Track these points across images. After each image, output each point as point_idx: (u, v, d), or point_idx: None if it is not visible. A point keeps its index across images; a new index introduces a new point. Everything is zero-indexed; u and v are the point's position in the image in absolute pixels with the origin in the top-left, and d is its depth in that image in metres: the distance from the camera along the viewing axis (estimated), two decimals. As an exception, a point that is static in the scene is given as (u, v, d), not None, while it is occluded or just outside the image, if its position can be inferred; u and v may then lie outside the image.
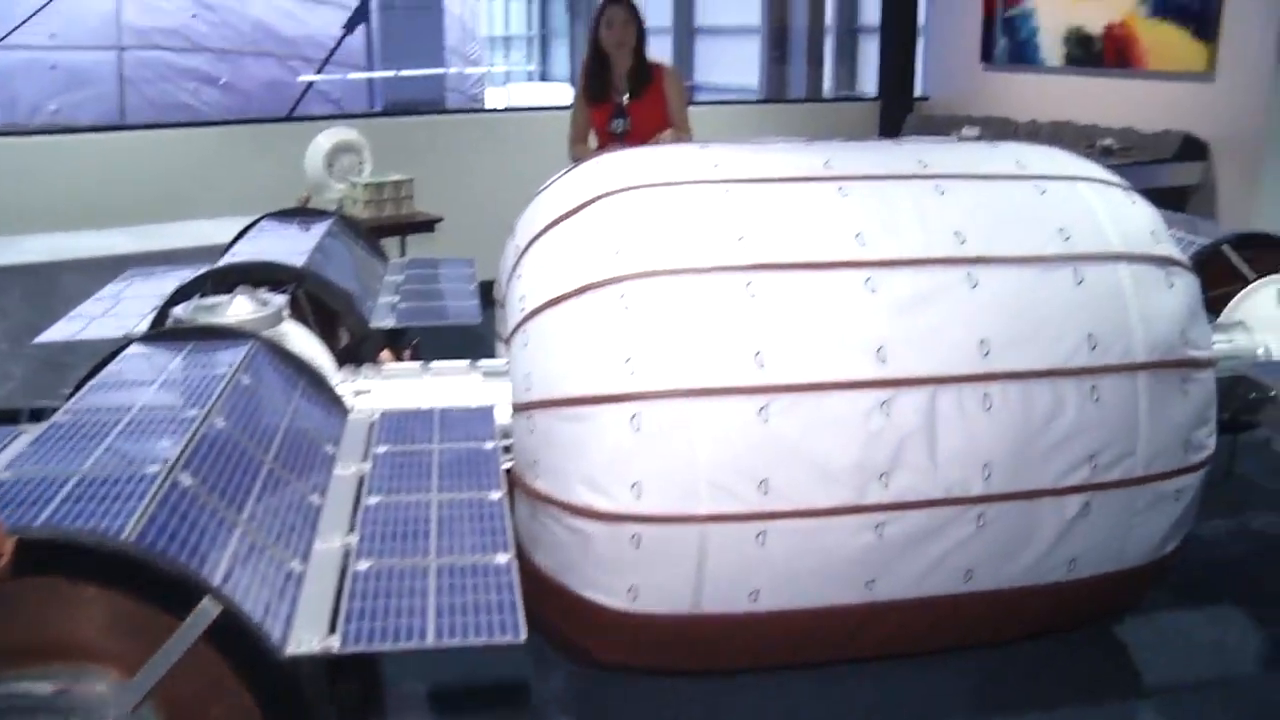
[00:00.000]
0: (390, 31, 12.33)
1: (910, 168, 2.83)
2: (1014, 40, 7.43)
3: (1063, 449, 2.60)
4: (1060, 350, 2.61)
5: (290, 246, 3.66)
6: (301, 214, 4.33)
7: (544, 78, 21.02)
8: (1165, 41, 6.60)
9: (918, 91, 8.02)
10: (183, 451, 1.80)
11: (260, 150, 6.16)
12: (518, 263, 2.78)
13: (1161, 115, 6.59)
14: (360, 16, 12.61)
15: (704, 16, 18.20)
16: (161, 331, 2.57)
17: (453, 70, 14.15)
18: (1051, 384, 2.59)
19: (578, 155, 4.86)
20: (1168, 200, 6.43)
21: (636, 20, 4.92)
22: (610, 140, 4.86)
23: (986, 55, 7.60)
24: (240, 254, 3.54)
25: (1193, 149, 6.42)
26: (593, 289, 2.53)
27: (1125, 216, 2.85)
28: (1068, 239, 2.72)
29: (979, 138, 7.10)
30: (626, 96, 4.90)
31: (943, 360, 2.53)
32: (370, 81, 12.74)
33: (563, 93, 19.03)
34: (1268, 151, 6.25)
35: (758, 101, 9.29)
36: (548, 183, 2.97)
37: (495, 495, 2.05)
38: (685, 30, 18.26)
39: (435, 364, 2.95)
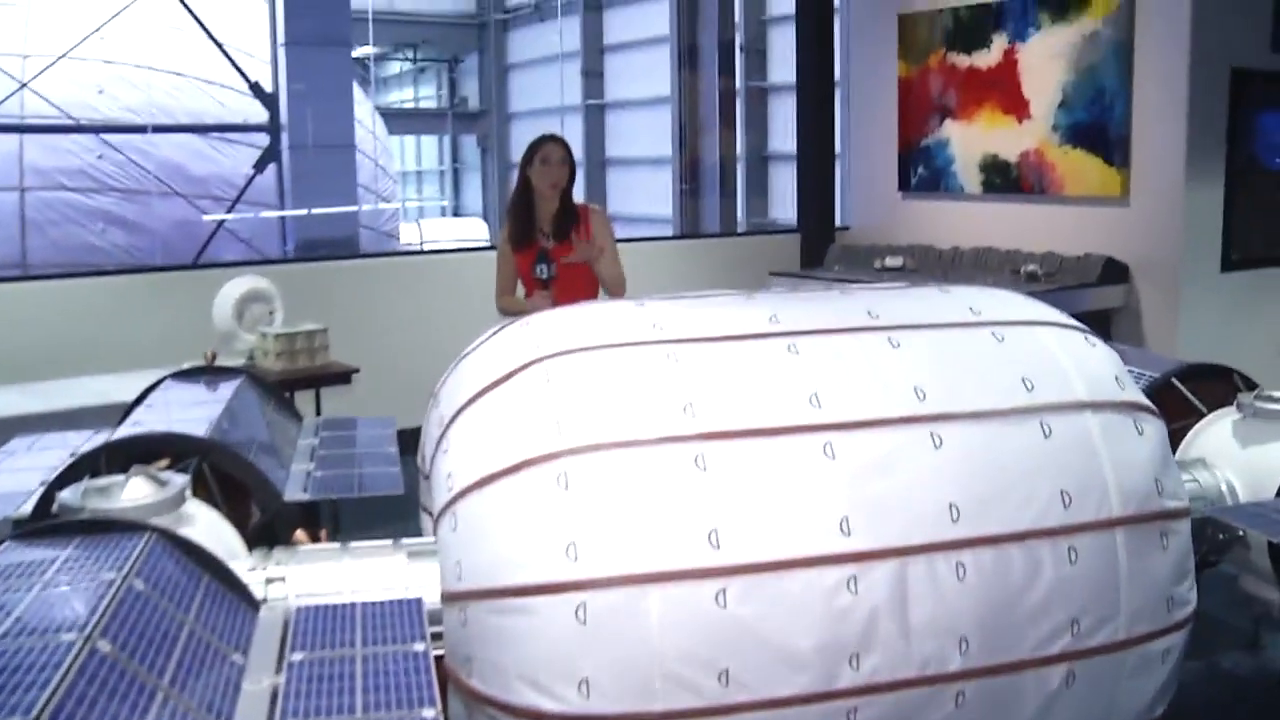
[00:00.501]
0: (301, 170, 12.15)
1: (860, 319, 2.64)
2: (931, 168, 7.43)
3: (1042, 615, 2.39)
4: (1033, 510, 2.41)
5: (195, 412, 3.38)
6: (207, 372, 4.06)
7: (457, 212, 20.97)
8: (1080, 168, 6.62)
9: (838, 221, 7.96)
10: (52, 695, 1.51)
11: (166, 299, 5.86)
12: (443, 435, 2.53)
13: (1081, 239, 6.58)
14: (270, 155, 12.44)
15: (614, 148, 18.36)
16: (41, 526, 2.27)
17: (365, 207, 14.02)
18: (1026, 547, 2.39)
19: (505, 307, 4.63)
20: (1093, 324, 6.38)
21: (571, 161, 4.64)
22: (536, 286, 4.52)
23: (904, 184, 7.59)
24: (140, 422, 3.25)
25: (1114, 272, 6.40)
26: (528, 466, 2.29)
27: (1088, 362, 2.69)
28: (1031, 389, 2.54)
29: (902, 267, 7.04)
30: (550, 240, 4.58)
31: (910, 528, 2.31)
32: (282, 220, 12.52)
33: (475, 227, 19.00)
34: (1183, 272, 6.25)
35: (676, 237, 9.18)
36: (474, 345, 2.74)
37: (429, 714, 1.77)
38: (597, 161, 18.38)
39: (355, 544, 2.67)
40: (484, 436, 2.42)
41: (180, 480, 2.55)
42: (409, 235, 16.60)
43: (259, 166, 12.49)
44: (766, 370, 2.45)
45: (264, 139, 12.74)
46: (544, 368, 2.46)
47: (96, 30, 11.77)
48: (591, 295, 4.61)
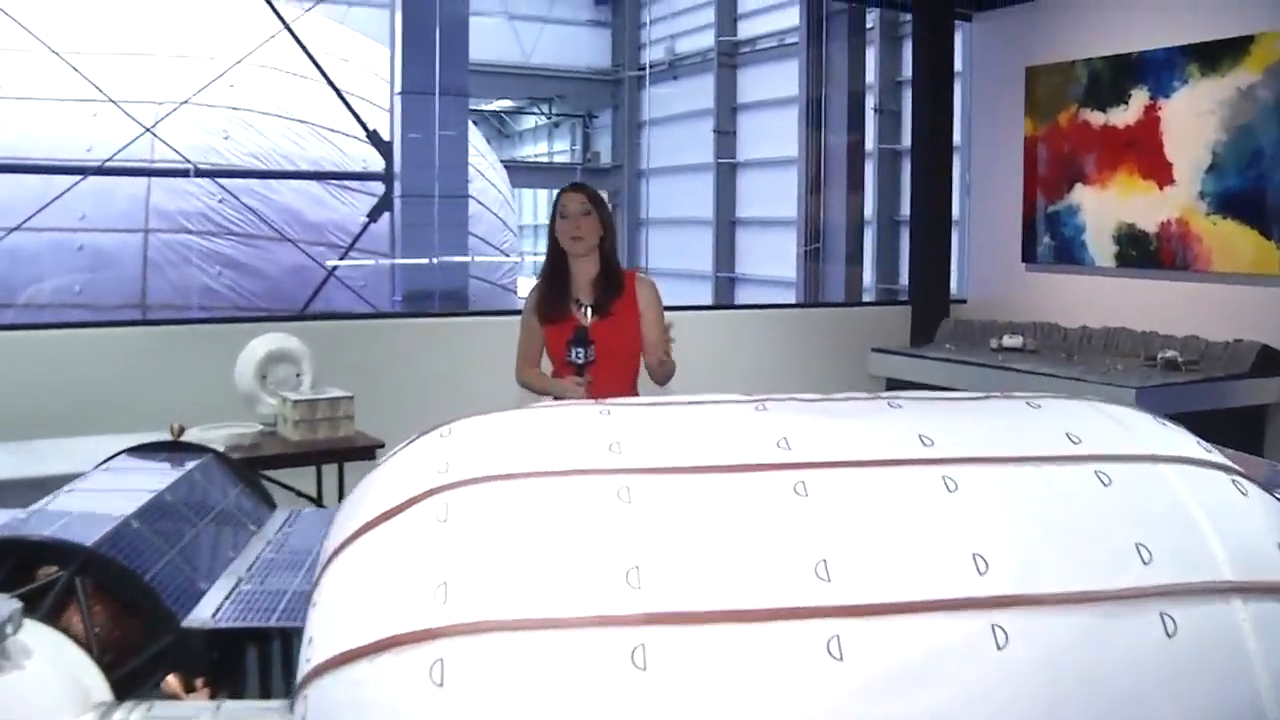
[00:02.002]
0: (413, 219, 11.71)
1: (905, 446, 1.84)
2: (1059, 238, 6.53)
3: None
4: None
5: (111, 503, 2.72)
6: (167, 449, 3.43)
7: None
8: (1231, 241, 5.68)
9: (954, 292, 7.09)
10: None
11: (196, 354, 5.28)
12: (318, 581, 1.81)
13: (1231, 323, 5.63)
14: (385, 204, 12.03)
15: (744, 208, 17.66)
16: None
17: (478, 259, 13.55)
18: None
19: (527, 382, 3.92)
20: (1243, 421, 5.43)
21: (600, 211, 3.80)
22: (570, 373, 3.65)
23: (1029, 254, 6.71)
24: (44, 512, 2.62)
25: (1270, 362, 5.45)
26: (395, 648, 1.55)
27: (1235, 519, 1.83)
28: (1149, 563, 1.70)
29: (1022, 347, 6.14)
30: (589, 313, 3.76)
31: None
32: (393, 269, 12.08)
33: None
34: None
35: (780, 306, 8.37)
36: (389, 454, 2.02)
37: None
38: (726, 221, 17.70)
39: (229, 705, 1.96)
40: (351, 595, 1.69)
41: (6, 609, 1.89)
42: (528, 289, 16.02)
43: (373, 215, 12.10)
44: (759, 522, 1.67)
45: (381, 187, 12.33)
46: (443, 501, 1.72)
47: (219, 77, 11.51)
48: (631, 382, 3.87)
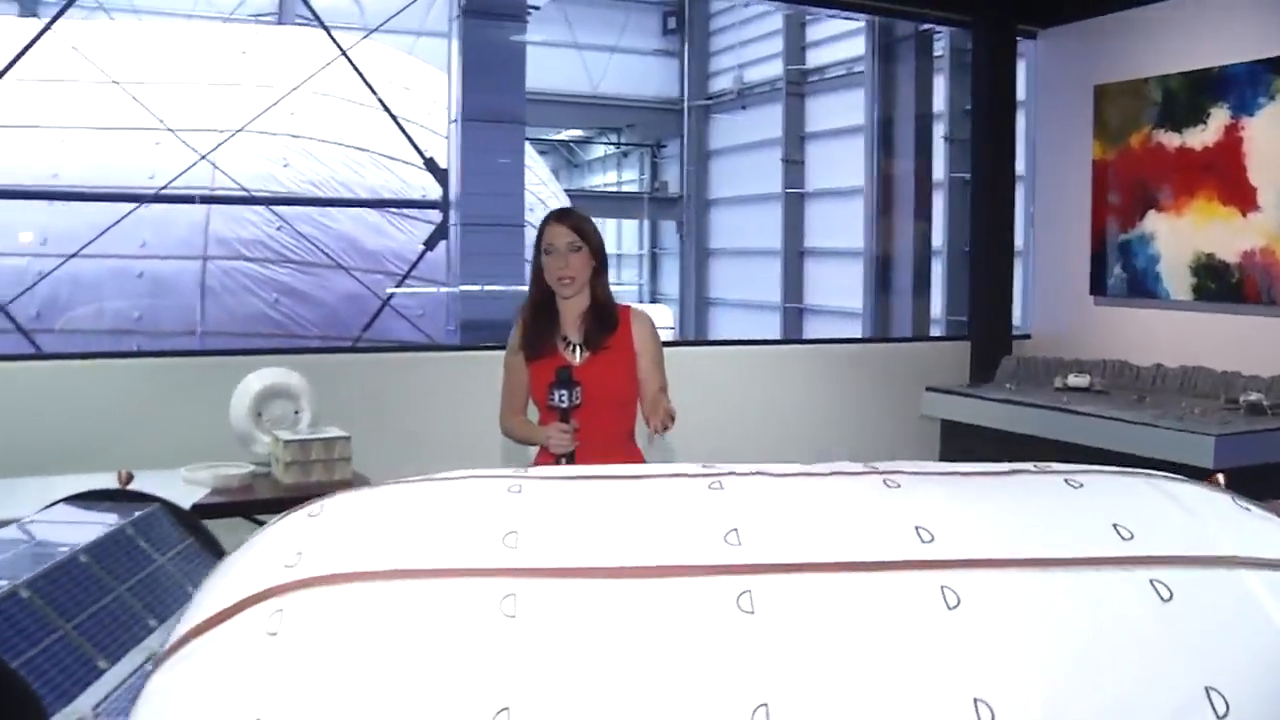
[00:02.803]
0: (469, 248, 11.38)
1: (898, 542, 1.37)
2: (1130, 269, 5.97)
3: None
4: None
5: (4, 569, 2.33)
6: (113, 498, 3.04)
7: (654, 298, 20.04)
8: (1322, 274, 5.09)
9: (1017, 327, 6.55)
10: None
11: (194, 387, 4.91)
12: (143, 687, 1.40)
13: (1322, 365, 5.03)
14: (441, 232, 11.73)
15: (812, 238, 17.17)
16: None
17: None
18: None
19: (510, 431, 3.42)
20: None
21: (591, 243, 3.25)
22: (553, 416, 3.15)
23: (1097, 287, 6.15)
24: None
25: (1367, 409, 4.82)
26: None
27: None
28: (1225, 717, 1.22)
29: (1089, 387, 5.58)
30: (578, 351, 3.27)
31: None
32: (448, 298, 11.77)
33: (661, 314, 18.03)
34: None
35: (828, 341, 7.86)
36: (257, 532, 1.60)
37: None
38: (794, 251, 17.21)
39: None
40: (163, 714, 1.28)
41: None
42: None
43: (429, 243, 11.80)
44: (705, 653, 1.22)
45: (440, 215, 12.05)
46: (278, 606, 1.30)
47: (273, 105, 11.32)
48: (627, 431, 3.37)
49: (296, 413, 4.39)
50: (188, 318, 11.64)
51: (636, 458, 3.27)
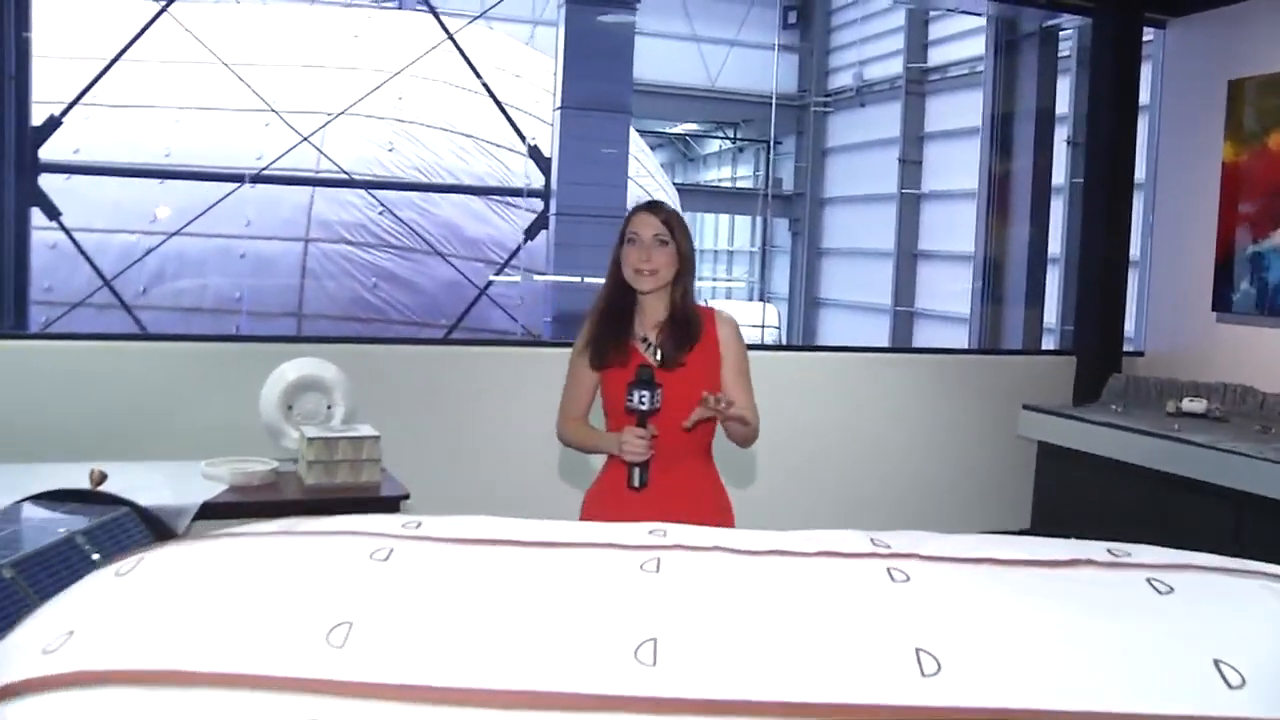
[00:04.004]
0: (567, 238, 11.03)
1: (884, 677, 0.89)
2: (1260, 284, 5.29)
3: None
4: None
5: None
6: (82, 499, 2.74)
7: (763, 295, 19.51)
8: None
9: (1130, 341, 5.92)
10: None
11: (232, 374, 4.57)
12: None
13: None
14: (542, 221, 11.39)
15: (927, 240, 16.51)
16: None
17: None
18: None
19: (569, 439, 3.03)
20: None
21: (680, 240, 2.90)
22: (630, 420, 2.78)
23: (1222, 302, 5.47)
24: None
25: None
26: None
27: None
28: None
29: (1205, 413, 4.94)
30: (658, 355, 2.89)
31: None
32: (546, 288, 11.44)
33: (768, 313, 17.48)
34: None
35: (924, 351, 7.28)
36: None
37: None
38: (908, 254, 16.57)
39: None
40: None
41: None
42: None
43: (529, 232, 11.47)
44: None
45: (541, 204, 11.73)
46: (30, 710, 0.92)
47: (377, 89, 11.10)
48: (704, 446, 2.97)
49: (329, 407, 4.04)
50: (288, 299, 11.53)
51: (711, 477, 3.00)
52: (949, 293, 14.89)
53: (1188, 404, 4.93)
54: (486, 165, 12.07)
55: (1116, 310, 5.70)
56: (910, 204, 16.71)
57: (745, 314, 16.78)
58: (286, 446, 3.97)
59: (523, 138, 11.69)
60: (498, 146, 12.16)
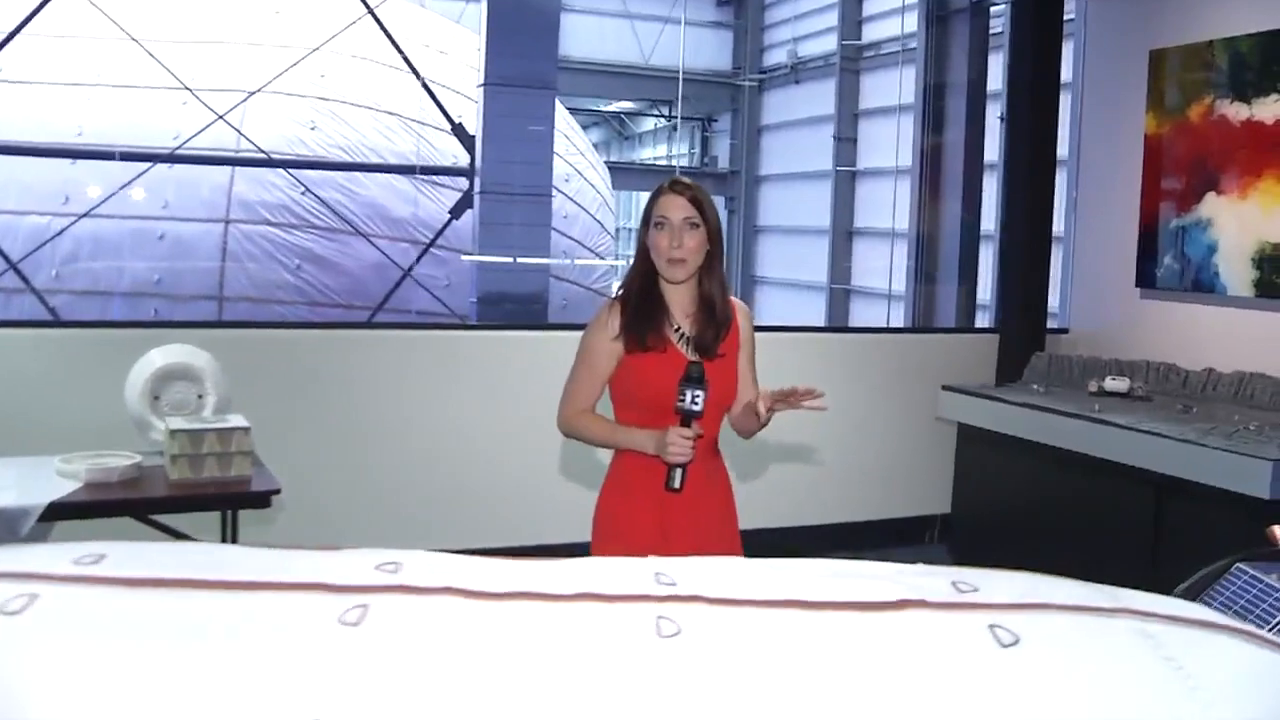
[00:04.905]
0: (491, 217, 10.73)
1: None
2: (1184, 259, 5.13)
3: None
4: None
5: None
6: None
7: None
8: None
9: (1055, 320, 5.75)
10: None
11: (99, 364, 4.24)
12: None
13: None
14: (467, 201, 11.09)
15: (863, 218, 16.40)
16: None
17: (580, 262, 12.63)
18: None
19: (575, 430, 2.76)
20: None
21: (710, 223, 2.68)
22: (660, 422, 2.59)
23: (1145, 278, 5.30)
24: None
25: None
26: None
27: None
28: None
29: (1128, 392, 4.77)
30: (688, 346, 2.68)
31: None
32: (473, 269, 11.15)
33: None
34: None
35: (849, 330, 7.12)
36: None
37: None
38: (843, 232, 16.44)
39: None
40: None
41: None
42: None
43: (455, 211, 11.17)
44: None
45: (467, 183, 11.43)
46: None
47: (294, 65, 10.73)
48: (714, 439, 2.79)
49: (200, 397, 3.75)
50: (208, 281, 11.15)
51: (724, 471, 2.86)
52: (885, 270, 14.78)
53: (1110, 383, 4.76)
54: (411, 144, 11.72)
55: (1040, 288, 5.52)
56: (845, 181, 16.56)
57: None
58: (154, 439, 3.67)
59: (447, 116, 11.38)
60: (423, 125, 11.83)
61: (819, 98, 16.65)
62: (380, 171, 11.36)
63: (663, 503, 2.61)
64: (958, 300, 10.26)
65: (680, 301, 2.70)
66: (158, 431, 3.64)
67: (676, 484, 2.56)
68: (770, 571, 0.96)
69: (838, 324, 15.18)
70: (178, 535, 3.67)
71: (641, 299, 2.68)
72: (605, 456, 2.79)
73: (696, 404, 2.52)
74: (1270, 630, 1.91)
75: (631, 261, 2.79)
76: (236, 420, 3.56)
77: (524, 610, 0.86)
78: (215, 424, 3.52)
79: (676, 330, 2.70)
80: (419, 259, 11.19)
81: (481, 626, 0.83)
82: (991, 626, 0.86)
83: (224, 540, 3.48)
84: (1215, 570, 2.15)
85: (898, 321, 11.26)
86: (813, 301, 16.35)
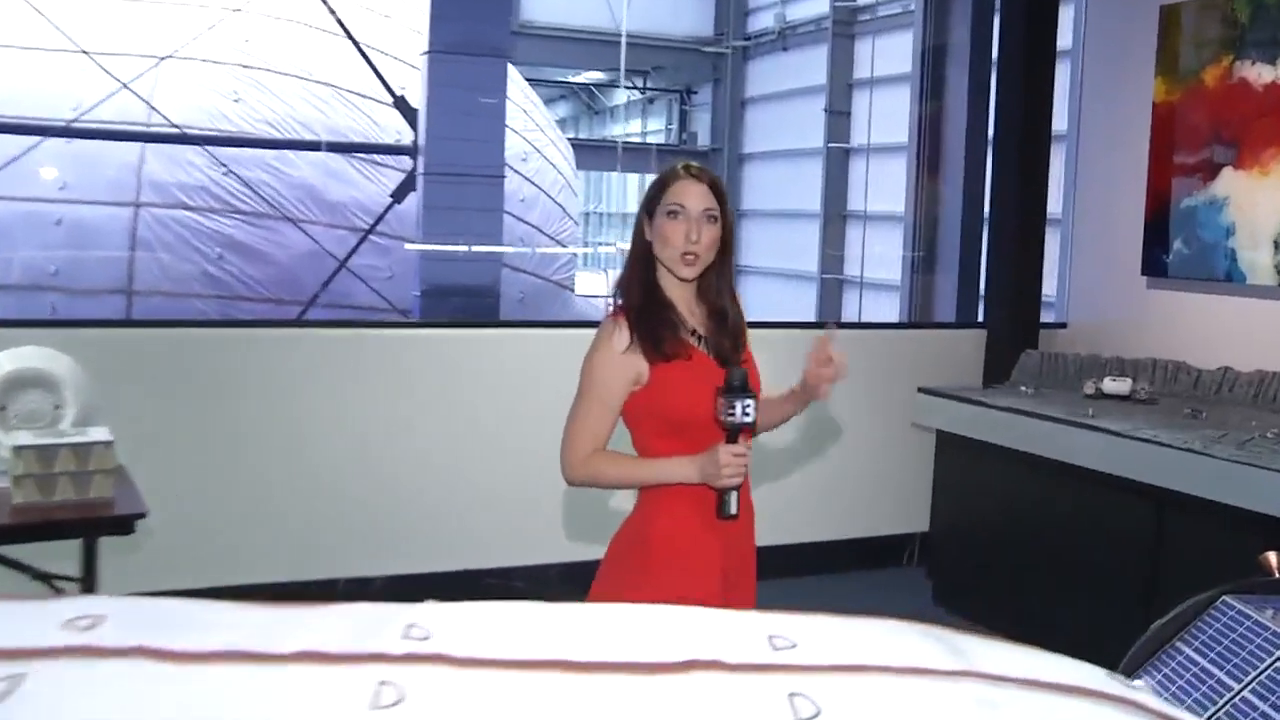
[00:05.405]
0: (437, 201, 10.60)
1: None
2: (1196, 244, 5.04)
3: None
4: None
5: None
6: None
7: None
8: None
9: (1049, 314, 5.69)
10: None
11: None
12: None
13: None
14: (410, 183, 10.97)
15: (859, 200, 16.36)
16: None
17: (543, 250, 12.54)
18: None
19: (601, 474, 2.56)
20: None
21: (728, 218, 2.62)
22: (721, 433, 2.46)
23: (1153, 265, 5.21)
24: None
25: None
26: None
27: None
28: None
29: (1130, 394, 4.68)
30: (711, 354, 2.61)
31: None
32: (417, 259, 11.02)
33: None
34: None
35: (812, 325, 7.03)
36: None
37: None
38: (837, 214, 16.40)
39: None
40: None
41: None
42: (591, 285, 14.87)
43: (398, 195, 11.04)
44: None
45: (411, 162, 11.31)
46: None
47: (211, 28, 10.59)
48: None
49: (57, 408, 3.61)
50: (115, 273, 10.96)
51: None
52: (881, 257, 14.75)
53: (1109, 384, 4.67)
54: (349, 118, 11.57)
55: (1033, 277, 5.42)
56: (838, 159, 16.52)
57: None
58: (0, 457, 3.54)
59: (389, 87, 11.26)
60: (361, 97, 11.70)
61: (809, 66, 16.66)
62: (313, 149, 11.19)
63: (735, 535, 2.59)
64: (958, 292, 10.18)
65: (684, 302, 2.62)
66: (4, 448, 3.51)
67: (733, 509, 2.48)
68: (533, 617, 0.84)
69: (827, 319, 15.12)
70: (23, 569, 3.54)
71: (648, 299, 2.58)
72: (579, 495, 2.68)
73: (749, 415, 2.41)
74: (1258, 677, 1.80)
75: (625, 258, 2.65)
76: (98, 434, 3.43)
77: (223, 676, 0.74)
78: (70, 438, 3.39)
79: (694, 333, 2.61)
80: (356, 248, 11.05)
81: (166, 698, 0.72)
82: (792, 695, 0.75)
83: (85, 573, 3.35)
84: (1199, 603, 2.05)
85: (896, 316, 11.18)
86: (803, 293, 16.29)
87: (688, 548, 2.54)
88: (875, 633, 0.86)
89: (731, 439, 2.43)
